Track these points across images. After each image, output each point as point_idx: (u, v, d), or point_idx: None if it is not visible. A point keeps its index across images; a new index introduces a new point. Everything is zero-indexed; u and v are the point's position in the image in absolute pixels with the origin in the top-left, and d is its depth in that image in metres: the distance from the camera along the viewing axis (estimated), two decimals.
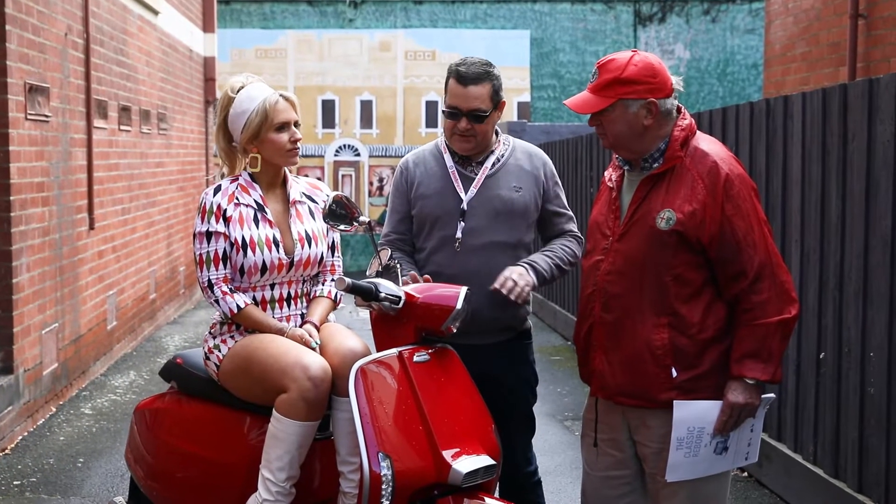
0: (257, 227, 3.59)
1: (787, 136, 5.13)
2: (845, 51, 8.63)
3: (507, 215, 3.80)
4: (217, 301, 3.56)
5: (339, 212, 3.47)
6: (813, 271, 4.91)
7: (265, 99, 3.58)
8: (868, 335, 4.41)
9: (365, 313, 9.40)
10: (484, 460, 3.20)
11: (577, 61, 16.36)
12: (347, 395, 3.22)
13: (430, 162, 3.90)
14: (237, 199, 3.61)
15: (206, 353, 3.68)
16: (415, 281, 3.49)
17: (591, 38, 16.38)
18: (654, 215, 3.10)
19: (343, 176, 16.24)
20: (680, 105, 3.20)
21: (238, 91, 3.63)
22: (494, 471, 3.25)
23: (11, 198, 6.29)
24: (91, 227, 8.06)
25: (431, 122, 16.23)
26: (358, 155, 16.26)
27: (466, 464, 3.15)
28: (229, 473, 3.58)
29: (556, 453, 6.04)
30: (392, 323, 3.36)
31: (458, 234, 3.77)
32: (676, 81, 3.16)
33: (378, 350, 3.37)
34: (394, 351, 3.30)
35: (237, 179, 3.66)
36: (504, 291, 3.60)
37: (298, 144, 3.65)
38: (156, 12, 10.71)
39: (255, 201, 3.63)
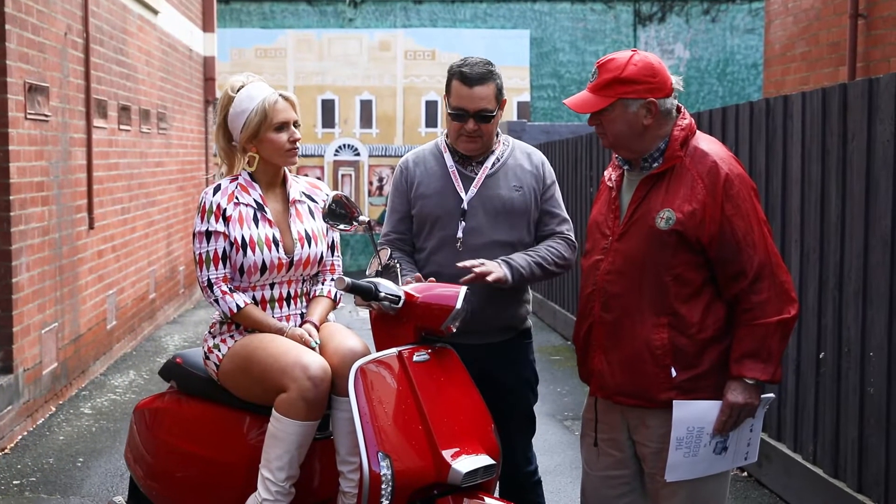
0: (257, 227, 3.59)
1: (787, 136, 5.13)
2: (845, 50, 8.62)
3: (508, 215, 3.80)
4: (217, 300, 3.56)
5: (339, 211, 3.47)
6: (813, 271, 4.91)
7: (264, 98, 3.58)
8: (868, 335, 4.41)
9: (364, 313, 9.40)
10: (483, 460, 3.20)
11: (576, 61, 16.36)
12: (347, 395, 3.22)
13: (430, 161, 3.90)
14: (237, 198, 3.61)
15: (205, 353, 3.68)
16: (418, 282, 3.48)
17: (590, 37, 16.38)
18: (654, 215, 3.10)
19: (343, 175, 16.24)
20: (680, 105, 3.20)
21: (238, 90, 3.63)
22: (494, 470, 3.25)
23: (11, 197, 6.29)
24: (91, 227, 8.06)
25: (431, 121, 16.23)
26: (358, 154, 16.26)
27: (466, 463, 3.15)
28: (229, 473, 3.57)
29: (556, 453, 6.04)
30: (392, 322, 3.36)
31: (460, 234, 3.77)
32: (676, 81, 3.16)
33: (378, 350, 3.37)
34: (393, 350, 3.29)
35: (237, 179, 3.66)
36: (471, 266, 3.55)
37: (298, 144, 3.65)
38: (155, 12, 10.71)
39: (255, 201, 3.63)
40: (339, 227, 3.49)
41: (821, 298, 4.83)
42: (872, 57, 8.29)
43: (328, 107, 16.16)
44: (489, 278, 3.57)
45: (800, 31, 9.80)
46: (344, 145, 16.24)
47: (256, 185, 3.65)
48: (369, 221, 3.51)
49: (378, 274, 3.43)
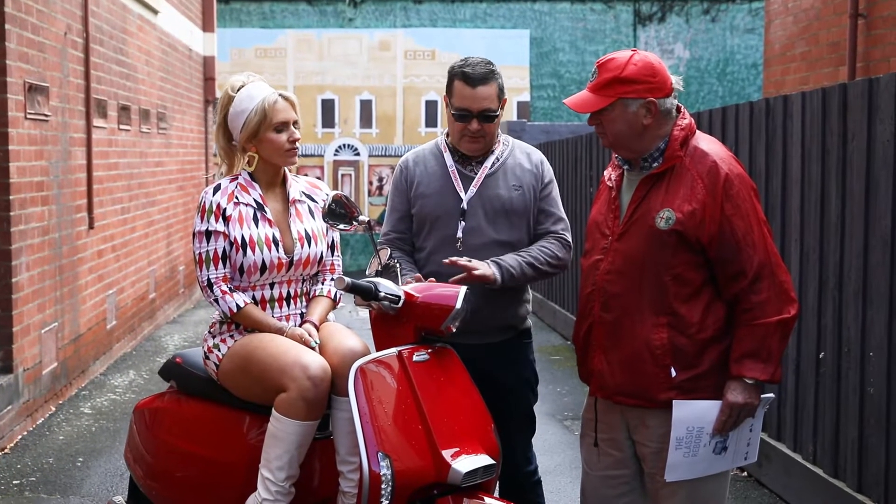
0: (257, 227, 3.59)
1: (787, 136, 5.13)
2: (845, 50, 8.62)
3: (507, 214, 3.80)
4: (216, 300, 3.56)
5: (339, 211, 3.47)
6: (812, 271, 4.91)
7: (264, 98, 3.58)
8: (867, 335, 4.41)
9: (364, 313, 9.40)
10: (483, 460, 3.20)
11: (576, 61, 16.36)
12: (347, 395, 3.22)
13: (430, 161, 3.90)
14: (237, 198, 3.61)
15: (205, 353, 3.67)
16: (418, 282, 3.48)
17: (590, 37, 16.38)
18: (654, 215, 3.10)
19: (343, 175, 16.24)
20: (679, 104, 3.20)
21: (238, 90, 3.63)
22: (494, 470, 3.25)
23: (11, 197, 6.29)
24: (90, 227, 8.06)
25: (431, 121, 16.23)
26: (357, 154, 16.26)
27: (466, 463, 3.15)
28: (229, 473, 3.57)
29: (556, 453, 6.04)
30: (391, 322, 3.36)
31: (459, 234, 3.77)
32: (676, 81, 3.16)
33: (377, 349, 3.37)
34: (393, 350, 3.29)
35: (237, 179, 3.66)
36: (457, 263, 3.56)
37: (297, 144, 3.64)
38: (155, 11, 10.71)
39: (255, 200, 3.63)
40: (339, 226, 3.49)
41: (821, 298, 4.83)
42: (872, 57, 8.29)
43: (328, 107, 16.16)
44: (475, 272, 3.56)
45: (800, 30, 9.80)
46: (344, 145, 16.24)
47: (256, 185, 3.65)
48: (369, 221, 3.51)
49: (378, 274, 3.43)
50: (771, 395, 3.16)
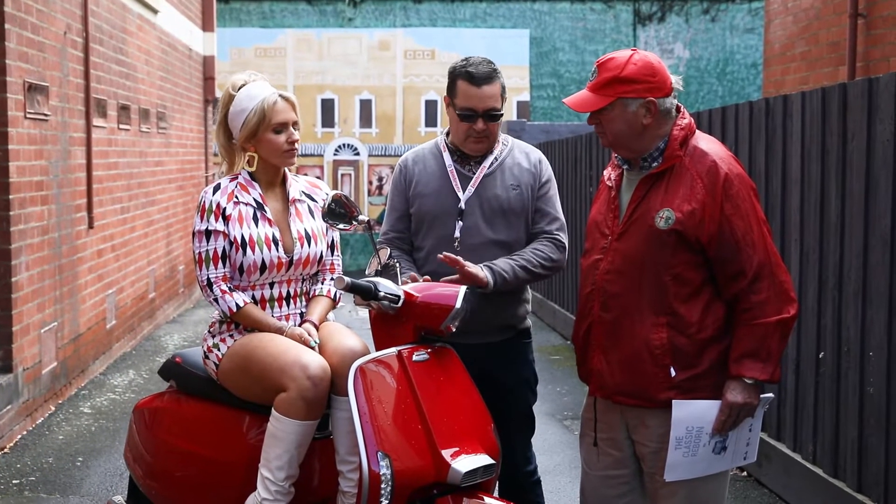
0: (257, 226, 3.58)
1: (787, 136, 5.13)
2: (845, 50, 8.62)
3: (505, 214, 3.79)
4: (216, 300, 3.56)
5: (339, 211, 3.47)
6: (812, 271, 4.91)
7: (264, 99, 3.57)
8: (867, 334, 4.41)
9: (364, 312, 9.40)
10: (483, 459, 3.20)
11: (576, 60, 16.36)
12: (346, 395, 3.21)
13: (429, 160, 3.89)
14: (236, 197, 3.61)
15: (205, 352, 3.67)
16: (414, 282, 3.48)
17: (590, 37, 16.38)
18: (653, 214, 3.10)
19: (342, 175, 16.24)
20: (679, 104, 3.20)
21: (239, 89, 3.63)
22: (493, 470, 3.25)
23: (10, 196, 6.29)
24: (90, 226, 8.06)
25: (431, 121, 16.23)
26: (357, 154, 16.26)
27: (465, 463, 3.15)
28: (228, 472, 3.57)
29: (556, 452, 6.04)
30: (391, 322, 3.36)
31: (457, 234, 3.77)
32: (676, 80, 3.16)
33: (377, 349, 3.36)
34: (393, 350, 3.29)
35: (236, 178, 3.66)
36: (454, 258, 3.55)
37: (296, 146, 3.64)
38: (155, 11, 10.71)
39: (255, 200, 3.63)
40: (339, 226, 3.49)
41: (820, 298, 4.83)
42: (872, 56, 8.29)
43: (328, 106, 16.16)
44: (466, 269, 3.55)
45: (799, 30, 9.80)
46: (343, 145, 16.24)
47: (256, 185, 3.65)
48: (369, 221, 3.51)
49: (377, 273, 3.43)
50: (770, 394, 3.16)
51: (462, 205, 3.78)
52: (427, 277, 3.56)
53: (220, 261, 3.56)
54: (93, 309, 8.17)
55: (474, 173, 3.82)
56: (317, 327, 3.57)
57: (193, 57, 13.09)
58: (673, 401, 3.07)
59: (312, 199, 3.75)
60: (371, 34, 16.19)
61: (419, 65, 16.22)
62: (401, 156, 4.01)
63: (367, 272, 3.47)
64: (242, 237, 3.55)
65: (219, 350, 3.60)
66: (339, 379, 3.33)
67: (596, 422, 3.33)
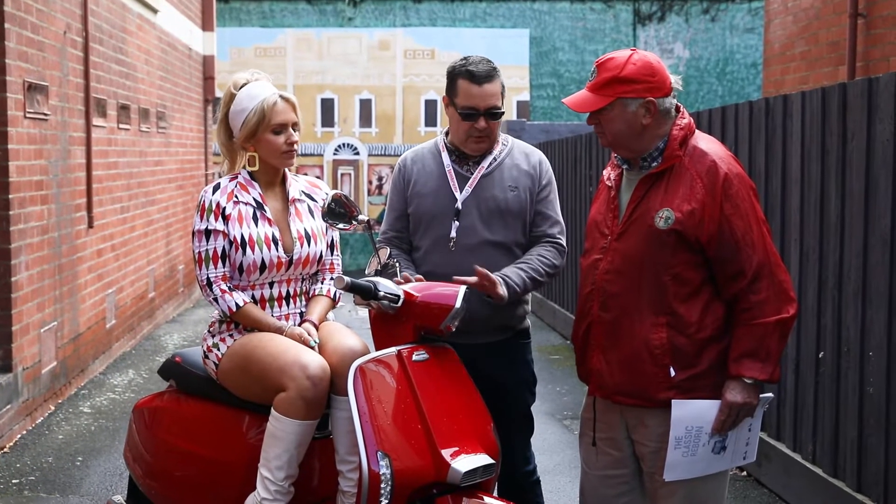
0: (256, 226, 3.58)
1: (787, 136, 5.13)
2: (844, 50, 8.62)
3: (502, 215, 3.79)
4: (216, 299, 3.56)
5: (338, 210, 3.47)
6: (812, 271, 4.91)
7: (264, 99, 3.57)
8: (867, 334, 4.41)
9: (364, 312, 9.40)
10: (483, 459, 3.20)
11: (576, 60, 16.36)
12: (346, 394, 3.21)
13: (427, 160, 3.89)
14: (236, 197, 3.61)
15: (204, 352, 3.67)
16: (407, 281, 3.47)
17: (590, 37, 16.38)
18: (653, 214, 3.10)
19: (342, 175, 16.24)
20: (679, 104, 3.20)
21: (241, 88, 3.63)
22: (493, 470, 3.25)
23: (10, 196, 6.29)
24: (90, 226, 8.06)
25: (430, 120, 16.23)
26: (357, 154, 16.26)
27: (465, 463, 3.15)
28: (228, 472, 3.57)
29: (555, 452, 6.04)
30: (391, 322, 3.36)
31: (453, 234, 3.76)
32: (675, 80, 3.16)
33: (377, 349, 3.36)
34: (393, 350, 3.29)
35: (236, 177, 3.66)
36: (482, 279, 3.54)
37: (296, 146, 3.63)
38: (155, 11, 10.71)
39: (255, 199, 3.63)
40: (339, 226, 3.49)
41: (820, 298, 4.83)
42: (872, 56, 8.29)
43: (327, 106, 16.16)
44: (496, 290, 3.54)
45: (799, 30, 9.80)
46: (343, 144, 16.24)
47: (256, 184, 3.65)
48: (368, 220, 3.51)
49: (377, 273, 3.43)
50: (770, 394, 3.16)
51: (459, 205, 3.77)
52: (420, 277, 3.56)
53: (219, 260, 3.56)
54: (92, 308, 8.16)
55: (472, 173, 3.82)
56: (316, 327, 3.57)
57: (193, 56, 13.09)
58: (672, 400, 3.07)
59: (312, 199, 3.75)
60: (371, 34, 16.19)
61: (419, 64, 16.22)
62: (400, 155, 4.01)
63: (366, 272, 3.47)
64: (242, 237, 3.55)
65: (218, 350, 3.60)
66: (339, 379, 3.33)
67: (595, 421, 3.33)
